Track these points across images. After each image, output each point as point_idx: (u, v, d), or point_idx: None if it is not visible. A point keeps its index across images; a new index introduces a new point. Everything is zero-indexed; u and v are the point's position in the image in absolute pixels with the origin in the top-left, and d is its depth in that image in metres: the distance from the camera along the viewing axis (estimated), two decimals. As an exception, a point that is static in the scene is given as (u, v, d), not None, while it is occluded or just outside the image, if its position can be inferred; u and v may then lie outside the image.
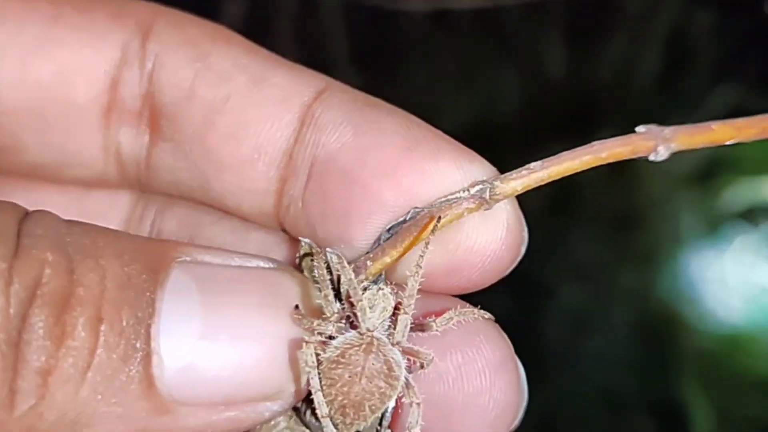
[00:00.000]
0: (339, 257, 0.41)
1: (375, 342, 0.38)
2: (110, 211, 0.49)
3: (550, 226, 1.16)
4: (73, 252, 0.35)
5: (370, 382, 0.38)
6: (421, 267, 0.39)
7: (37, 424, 0.34)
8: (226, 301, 0.37)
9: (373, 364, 0.38)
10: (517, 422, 0.43)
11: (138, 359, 0.35)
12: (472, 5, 1.14)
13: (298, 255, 0.43)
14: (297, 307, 0.38)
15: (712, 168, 1.15)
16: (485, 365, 0.42)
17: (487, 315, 0.43)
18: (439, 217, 0.40)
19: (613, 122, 1.13)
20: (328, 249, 0.41)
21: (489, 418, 0.42)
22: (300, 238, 0.43)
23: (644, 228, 1.19)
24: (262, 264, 0.40)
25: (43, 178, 0.48)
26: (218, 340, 0.37)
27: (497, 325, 0.43)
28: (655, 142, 0.42)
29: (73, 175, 0.48)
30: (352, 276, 0.38)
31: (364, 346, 0.38)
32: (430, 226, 0.41)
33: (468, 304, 0.43)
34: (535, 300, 1.17)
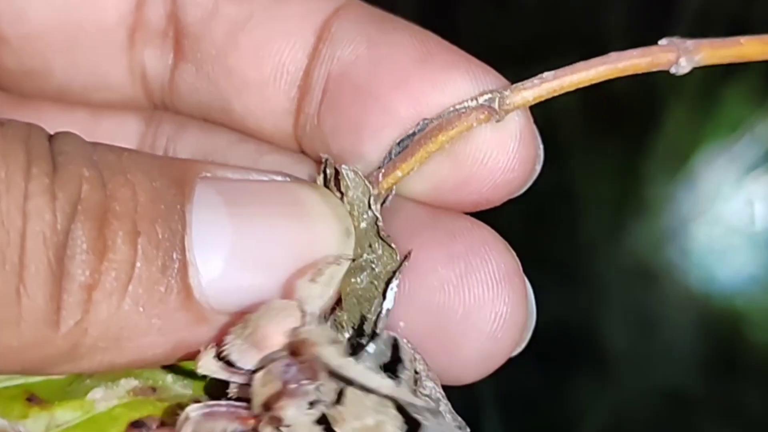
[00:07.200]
0: (355, 173, 0.41)
1: None
2: (119, 139, 0.48)
3: (610, 223, 1.14)
4: (102, 168, 0.35)
5: None
6: None
7: (82, 340, 0.34)
8: (251, 212, 0.38)
9: None
10: (522, 345, 0.42)
11: (175, 271, 0.35)
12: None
13: (319, 171, 0.43)
14: None
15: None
16: (489, 276, 0.40)
17: None
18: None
19: (674, 113, 1.10)
20: (344, 165, 0.41)
21: (490, 333, 0.40)
22: (321, 154, 0.43)
23: (706, 222, 1.15)
24: (277, 178, 0.41)
25: (70, 102, 0.48)
26: (249, 249, 0.37)
27: (504, 240, 0.42)
28: (676, 54, 0.40)
29: (101, 99, 0.48)
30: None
31: None
32: (439, 139, 0.40)
33: (478, 221, 0.42)
34: (595, 297, 1.14)
